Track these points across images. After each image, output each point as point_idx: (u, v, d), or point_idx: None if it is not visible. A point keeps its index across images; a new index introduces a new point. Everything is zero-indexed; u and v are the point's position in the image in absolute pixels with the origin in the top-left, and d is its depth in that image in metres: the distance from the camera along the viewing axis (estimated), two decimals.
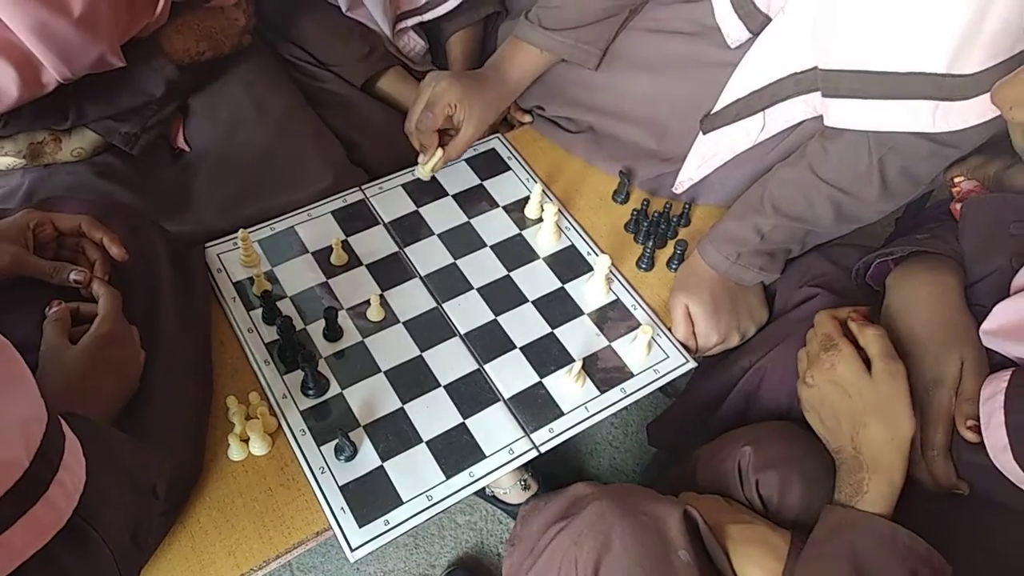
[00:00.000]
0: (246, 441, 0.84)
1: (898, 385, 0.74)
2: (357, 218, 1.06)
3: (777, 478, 0.78)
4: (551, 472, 1.33)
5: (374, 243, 1.03)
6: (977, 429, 0.73)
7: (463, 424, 0.88)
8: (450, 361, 0.92)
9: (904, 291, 0.83)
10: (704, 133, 1.01)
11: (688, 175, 1.06)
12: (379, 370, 0.91)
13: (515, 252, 1.03)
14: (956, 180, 0.90)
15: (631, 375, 0.93)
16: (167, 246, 0.91)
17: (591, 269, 1.02)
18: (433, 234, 1.05)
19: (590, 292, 1.00)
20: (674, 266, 1.03)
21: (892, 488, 0.72)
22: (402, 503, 0.82)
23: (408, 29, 1.29)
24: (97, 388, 0.72)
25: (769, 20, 0.93)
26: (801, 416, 0.84)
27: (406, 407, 0.88)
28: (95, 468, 0.52)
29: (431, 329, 0.95)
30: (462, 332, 0.95)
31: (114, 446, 0.59)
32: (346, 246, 1.02)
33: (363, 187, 1.09)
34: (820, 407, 0.78)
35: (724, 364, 0.99)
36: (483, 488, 1.28)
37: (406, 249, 1.03)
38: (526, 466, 1.26)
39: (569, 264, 1.03)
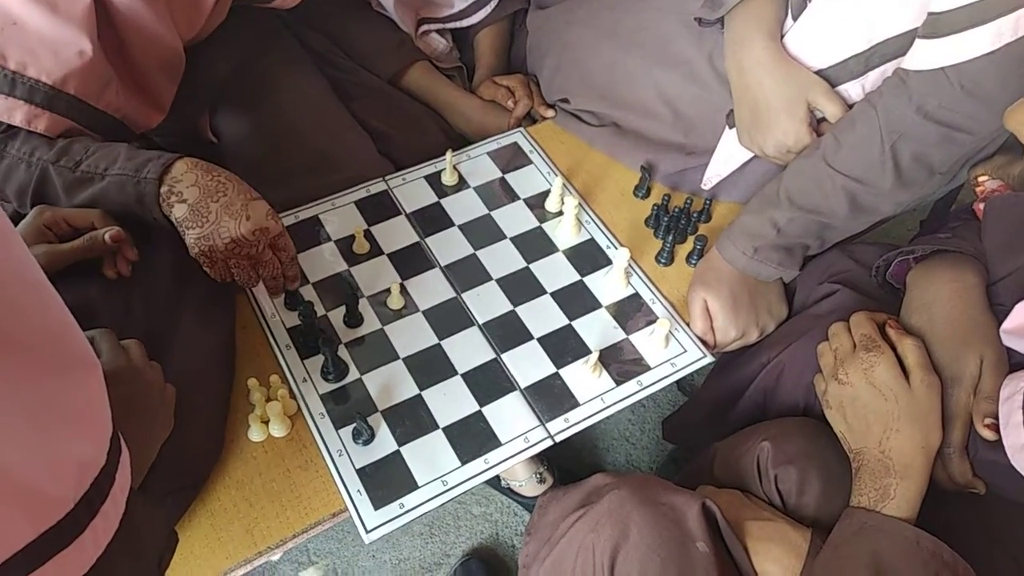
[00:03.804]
0: (266, 423, 0.85)
1: (934, 397, 0.74)
2: (380, 208, 1.07)
3: (796, 474, 0.78)
4: (567, 467, 1.33)
5: (396, 233, 1.04)
6: (995, 428, 0.72)
7: (479, 412, 0.88)
8: (468, 350, 0.93)
9: (925, 289, 0.83)
10: (730, 127, 1.01)
11: (716, 171, 1.06)
12: (398, 357, 0.92)
13: (535, 245, 1.04)
14: (980, 179, 0.90)
15: (648, 368, 0.93)
16: None
17: (610, 263, 1.02)
18: (454, 225, 1.06)
19: (609, 285, 1.00)
20: (693, 261, 1.03)
21: (918, 495, 0.71)
22: (417, 487, 0.83)
23: (431, 32, 1.31)
24: (124, 434, 0.68)
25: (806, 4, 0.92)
26: (819, 413, 0.84)
27: (423, 394, 0.89)
28: (116, 534, 0.50)
29: (450, 318, 0.96)
30: (480, 322, 0.96)
31: (132, 511, 0.56)
32: (368, 235, 1.03)
33: (386, 178, 1.10)
34: (849, 405, 0.78)
35: (742, 360, 0.99)
36: (499, 480, 1.30)
37: (427, 239, 1.04)
38: (542, 459, 1.27)
39: (588, 257, 1.03)
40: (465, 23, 1.31)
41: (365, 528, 0.80)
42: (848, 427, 0.78)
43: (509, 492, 1.31)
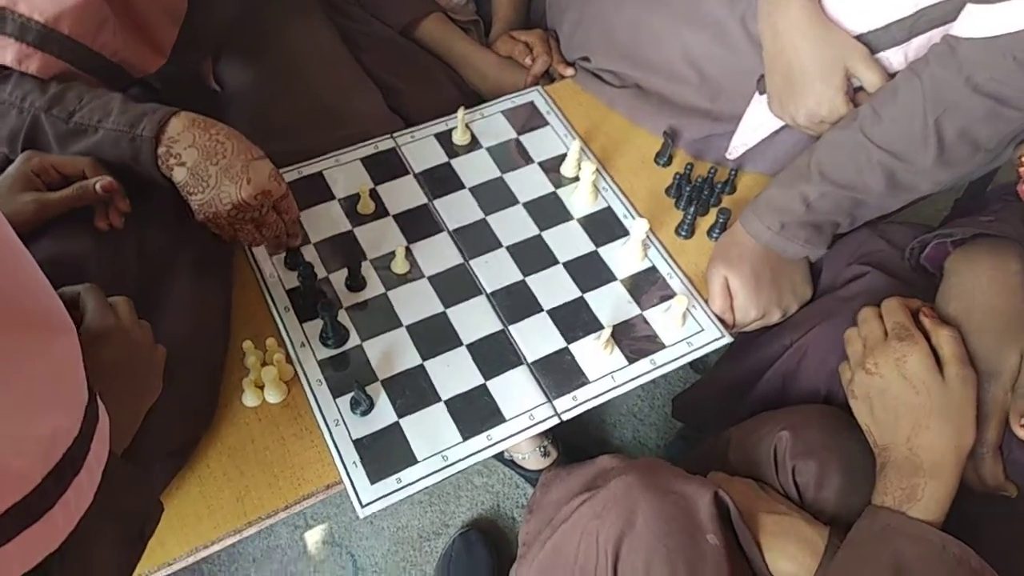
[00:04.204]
0: (261, 388, 0.81)
1: (969, 393, 0.69)
2: (387, 166, 1.02)
3: (815, 467, 0.74)
4: (572, 441, 1.30)
5: (403, 193, 0.99)
6: None
7: (484, 385, 0.84)
8: (474, 320, 0.89)
9: (964, 276, 0.78)
10: (761, 93, 0.95)
11: (743, 139, 1.00)
12: (400, 324, 0.88)
13: (548, 211, 0.99)
14: None
15: (662, 346, 0.89)
16: None
17: (627, 233, 0.97)
18: (464, 187, 1.01)
19: (625, 257, 0.95)
20: (715, 235, 0.98)
21: (948, 497, 0.67)
22: (416, 462, 0.79)
23: None
24: (107, 397, 0.65)
25: None
26: (842, 402, 0.80)
27: (426, 364, 0.85)
28: (95, 503, 0.47)
29: (456, 285, 0.92)
30: (488, 291, 0.91)
31: (113, 479, 0.53)
32: (374, 195, 0.98)
33: (394, 135, 1.05)
34: (877, 397, 0.73)
35: (761, 341, 0.95)
36: (502, 451, 1.27)
37: (435, 201, 0.99)
38: (546, 433, 1.23)
39: (604, 227, 0.98)
40: None
41: (360, 502, 0.77)
42: (874, 420, 0.73)
43: (512, 464, 1.28)
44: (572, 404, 0.84)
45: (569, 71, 1.15)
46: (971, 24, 0.77)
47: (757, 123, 0.98)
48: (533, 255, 0.95)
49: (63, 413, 0.44)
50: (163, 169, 0.78)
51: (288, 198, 0.85)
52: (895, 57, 0.87)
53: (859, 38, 0.87)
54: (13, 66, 0.77)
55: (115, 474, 0.56)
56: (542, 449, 1.23)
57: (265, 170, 0.80)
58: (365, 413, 0.81)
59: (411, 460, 0.79)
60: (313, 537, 1.26)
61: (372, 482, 0.78)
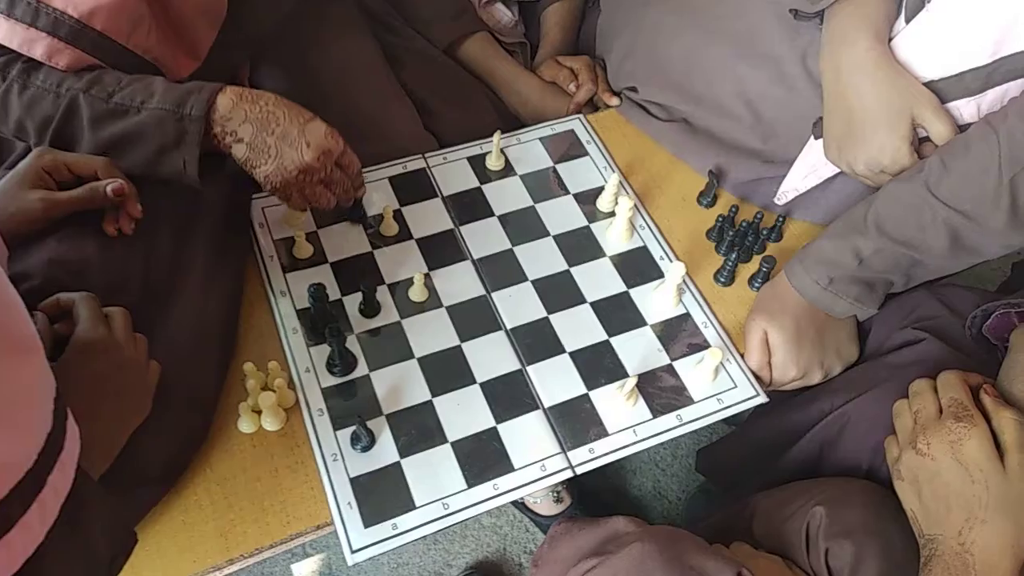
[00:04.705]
0: (259, 414, 0.77)
1: None
2: (415, 187, 0.97)
3: (852, 550, 0.67)
4: (588, 486, 1.23)
5: (429, 217, 0.95)
6: None
7: (494, 429, 0.79)
8: (491, 357, 0.83)
9: None
10: (816, 138, 0.89)
11: (793, 184, 0.93)
12: (412, 356, 0.83)
13: (580, 246, 0.93)
14: None
15: (691, 401, 0.82)
16: (213, 188, 0.85)
17: (662, 276, 0.91)
18: (493, 215, 0.95)
19: (658, 301, 0.89)
20: (757, 284, 0.91)
21: None
22: (415, 507, 0.73)
23: (496, 2, 1.20)
24: (90, 414, 0.59)
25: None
26: (885, 479, 0.72)
27: (435, 401, 0.80)
28: (62, 526, 0.44)
29: (475, 318, 0.86)
30: (509, 327, 0.86)
31: (81, 507, 0.50)
32: (398, 216, 0.94)
33: (426, 155, 1.00)
34: (926, 481, 0.66)
35: (799, 402, 0.88)
36: None
37: (462, 228, 0.94)
38: None
39: (638, 267, 0.92)
40: None
41: (351, 547, 0.71)
42: (922, 507, 0.66)
43: (522, 507, 1.21)
44: (588, 457, 0.78)
45: (614, 100, 1.10)
46: None
47: (810, 169, 0.91)
48: (559, 292, 0.89)
49: (13, 444, 0.39)
50: (221, 148, 0.77)
51: (348, 152, 0.83)
52: (967, 109, 0.80)
53: (928, 85, 0.81)
54: (43, 60, 0.75)
55: (86, 501, 0.52)
56: (555, 495, 1.17)
57: (320, 130, 0.79)
58: (365, 449, 0.76)
59: (409, 505, 0.73)
60: (308, 567, 1.21)
61: (366, 526, 0.72)
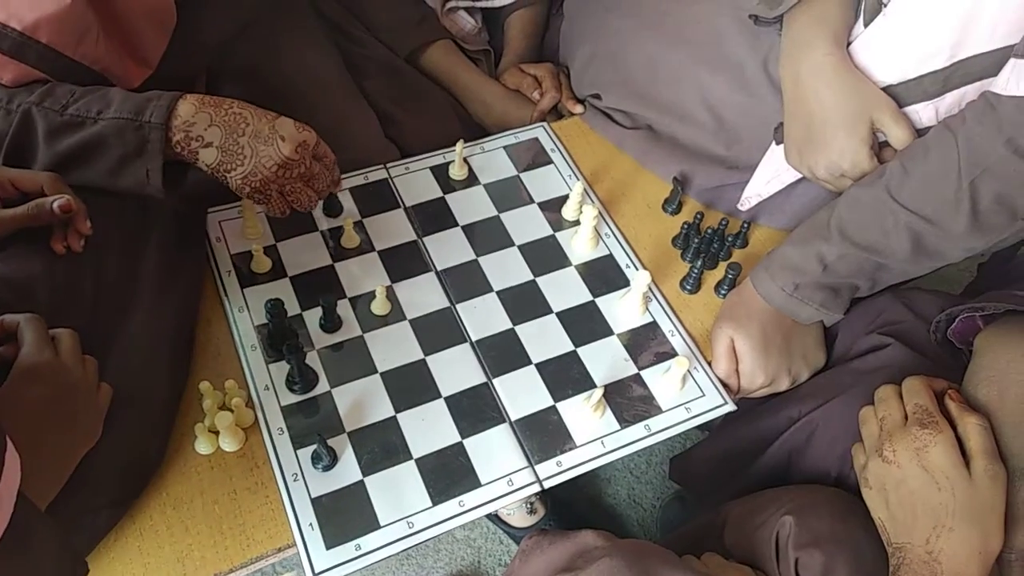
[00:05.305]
0: (216, 434, 0.75)
1: (998, 492, 0.61)
2: (377, 198, 0.96)
3: (822, 560, 0.66)
4: (562, 496, 1.22)
5: (391, 228, 0.93)
6: None
7: (460, 444, 0.77)
8: (456, 370, 0.82)
9: (996, 356, 0.70)
10: (778, 143, 0.88)
11: (756, 190, 0.93)
12: (375, 371, 0.81)
13: (545, 255, 0.92)
14: None
15: (659, 411, 0.81)
16: (163, 202, 0.82)
17: (628, 284, 0.90)
18: (457, 225, 0.94)
19: (624, 310, 0.88)
20: (723, 291, 0.91)
21: None
22: (379, 527, 0.72)
23: (459, 9, 1.19)
24: (36, 441, 0.57)
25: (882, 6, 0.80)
26: (854, 486, 0.72)
27: (399, 416, 0.78)
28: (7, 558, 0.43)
29: (439, 331, 0.85)
30: (473, 339, 0.85)
31: (39, 537, 0.48)
32: (360, 227, 0.92)
33: (388, 165, 0.99)
34: (893, 489, 0.65)
35: (768, 409, 0.87)
36: None
37: (425, 239, 0.92)
38: None
39: (604, 276, 0.91)
40: (497, 2, 1.19)
41: (313, 570, 0.70)
42: (890, 515, 0.65)
43: (496, 519, 1.20)
44: (556, 470, 0.77)
45: (578, 108, 1.10)
46: (1015, 80, 0.70)
47: (772, 174, 0.91)
48: (525, 302, 0.88)
49: None
50: (186, 155, 0.75)
51: (321, 143, 0.82)
52: (925, 112, 0.81)
53: (887, 90, 0.81)
54: None
55: (32, 531, 0.50)
56: (528, 506, 1.16)
57: (290, 124, 0.78)
58: (327, 468, 0.74)
59: (373, 525, 0.72)
60: None
61: (328, 547, 0.70)
